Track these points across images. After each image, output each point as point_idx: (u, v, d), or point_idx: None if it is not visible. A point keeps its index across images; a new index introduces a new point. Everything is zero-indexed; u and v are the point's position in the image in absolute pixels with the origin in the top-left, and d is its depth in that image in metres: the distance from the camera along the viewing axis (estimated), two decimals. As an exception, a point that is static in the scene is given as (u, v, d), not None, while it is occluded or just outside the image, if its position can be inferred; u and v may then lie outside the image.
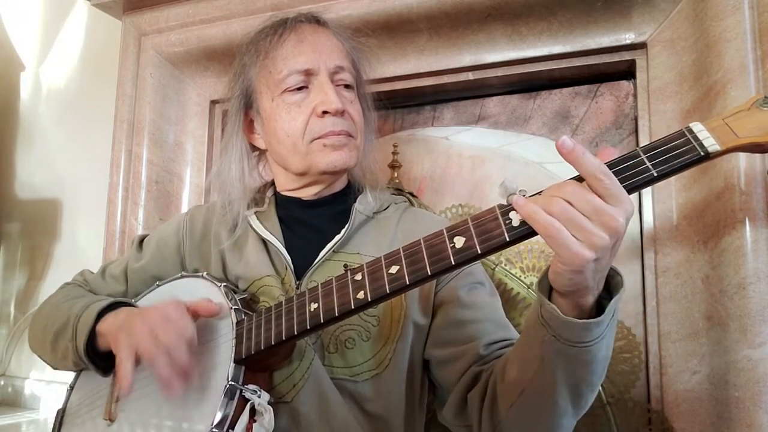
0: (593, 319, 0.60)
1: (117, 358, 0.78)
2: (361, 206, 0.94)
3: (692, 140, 0.58)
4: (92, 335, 0.85)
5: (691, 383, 0.96)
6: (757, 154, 0.88)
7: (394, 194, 1.04)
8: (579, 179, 0.58)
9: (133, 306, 0.91)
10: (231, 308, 0.82)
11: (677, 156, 0.57)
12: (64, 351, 0.89)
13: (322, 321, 0.71)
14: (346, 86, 0.93)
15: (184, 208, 1.49)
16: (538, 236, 0.58)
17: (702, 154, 0.57)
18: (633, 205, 0.57)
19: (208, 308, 0.82)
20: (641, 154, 0.59)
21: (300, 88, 0.89)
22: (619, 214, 0.55)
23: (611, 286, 0.62)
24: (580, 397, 0.67)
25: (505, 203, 0.61)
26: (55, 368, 0.97)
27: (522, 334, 0.70)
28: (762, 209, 0.89)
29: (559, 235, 0.55)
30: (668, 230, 1.02)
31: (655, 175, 0.58)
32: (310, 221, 0.95)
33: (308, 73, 0.89)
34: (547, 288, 0.63)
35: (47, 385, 1.81)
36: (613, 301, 0.61)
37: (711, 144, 0.57)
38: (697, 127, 0.59)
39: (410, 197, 1.07)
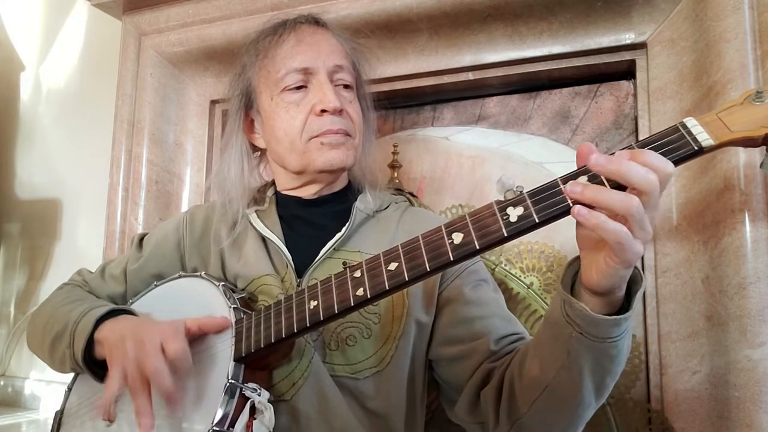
0: (622, 315, 0.61)
1: (108, 376, 0.79)
2: (362, 205, 0.94)
3: (686, 135, 0.58)
4: (90, 342, 0.84)
5: (691, 383, 0.96)
6: (758, 153, 0.88)
7: (393, 194, 1.04)
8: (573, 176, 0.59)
9: (132, 313, 0.90)
10: (230, 307, 0.82)
11: (672, 151, 0.58)
12: (61, 357, 0.88)
13: (321, 318, 0.71)
14: (345, 86, 0.94)
15: (184, 208, 1.49)
16: (537, 235, 0.58)
17: (696, 148, 0.57)
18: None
19: (213, 324, 0.81)
20: (636, 149, 0.59)
21: (299, 88, 0.90)
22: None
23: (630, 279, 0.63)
24: (603, 387, 0.68)
25: (503, 199, 0.61)
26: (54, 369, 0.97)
27: (541, 332, 0.71)
28: (762, 209, 0.89)
29: (627, 239, 0.55)
30: (668, 230, 1.02)
31: None
32: (311, 219, 0.95)
33: (307, 72, 0.90)
34: (569, 286, 0.65)
35: (47, 385, 1.81)
36: (637, 294, 0.62)
37: (705, 138, 0.58)
38: (691, 122, 0.59)
39: (410, 197, 1.07)
